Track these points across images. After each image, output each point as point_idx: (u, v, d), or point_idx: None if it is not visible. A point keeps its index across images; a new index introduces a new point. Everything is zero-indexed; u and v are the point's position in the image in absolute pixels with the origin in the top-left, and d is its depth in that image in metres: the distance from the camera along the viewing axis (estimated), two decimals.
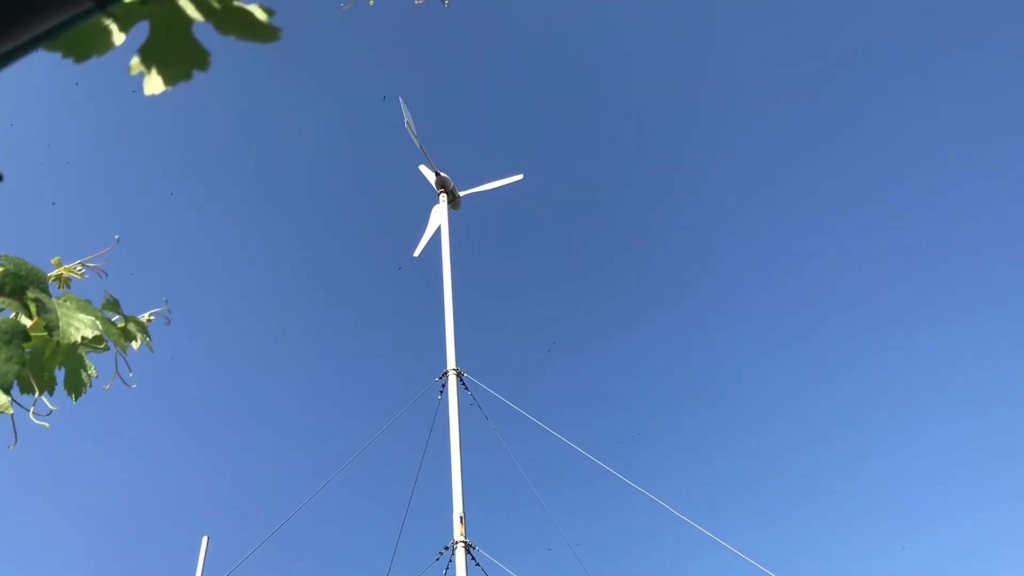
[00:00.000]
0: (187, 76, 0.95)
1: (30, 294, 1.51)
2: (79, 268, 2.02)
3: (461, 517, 12.58)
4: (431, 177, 18.59)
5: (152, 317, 1.89)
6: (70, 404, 1.88)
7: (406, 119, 18.02)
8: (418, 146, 18.28)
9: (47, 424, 1.65)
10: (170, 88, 0.94)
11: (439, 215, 18.08)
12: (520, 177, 18.88)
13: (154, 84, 0.94)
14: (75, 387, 1.82)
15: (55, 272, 1.99)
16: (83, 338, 1.56)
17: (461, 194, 18.70)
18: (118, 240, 2.07)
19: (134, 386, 1.87)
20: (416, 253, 18.44)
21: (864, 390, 36.90)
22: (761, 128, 38.70)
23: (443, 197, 18.41)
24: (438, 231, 17.68)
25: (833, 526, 33.83)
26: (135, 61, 0.94)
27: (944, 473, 34.16)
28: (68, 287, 1.99)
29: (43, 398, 1.72)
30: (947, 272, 36.35)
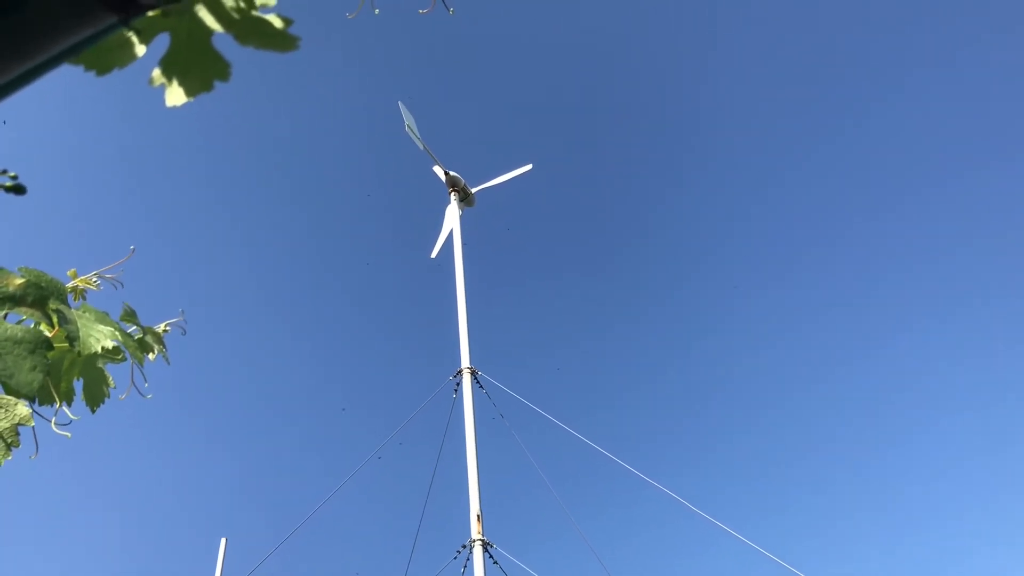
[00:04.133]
0: (208, 87, 0.94)
1: (51, 305, 1.51)
2: (95, 279, 2.02)
3: (478, 515, 12.58)
4: (443, 177, 18.61)
5: (168, 328, 1.90)
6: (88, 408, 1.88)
7: (407, 123, 18.03)
8: (422, 148, 18.30)
9: (68, 434, 1.65)
10: (191, 99, 0.93)
11: (452, 215, 18.10)
12: (529, 167, 18.93)
13: (175, 96, 0.93)
14: (94, 398, 1.83)
15: (71, 284, 1.99)
16: (103, 348, 1.56)
17: (473, 191, 18.73)
18: (133, 250, 2.07)
19: (149, 396, 1.87)
20: (433, 255, 18.46)
21: (882, 379, 36.77)
22: (778, 113, 38.61)
23: (454, 196, 18.42)
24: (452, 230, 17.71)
25: (849, 517, 33.71)
26: (156, 73, 0.93)
27: (969, 463, 34.02)
28: (84, 299, 2.00)
29: (63, 408, 1.72)
30: (967, 257, 36.18)
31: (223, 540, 14.86)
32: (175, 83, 0.93)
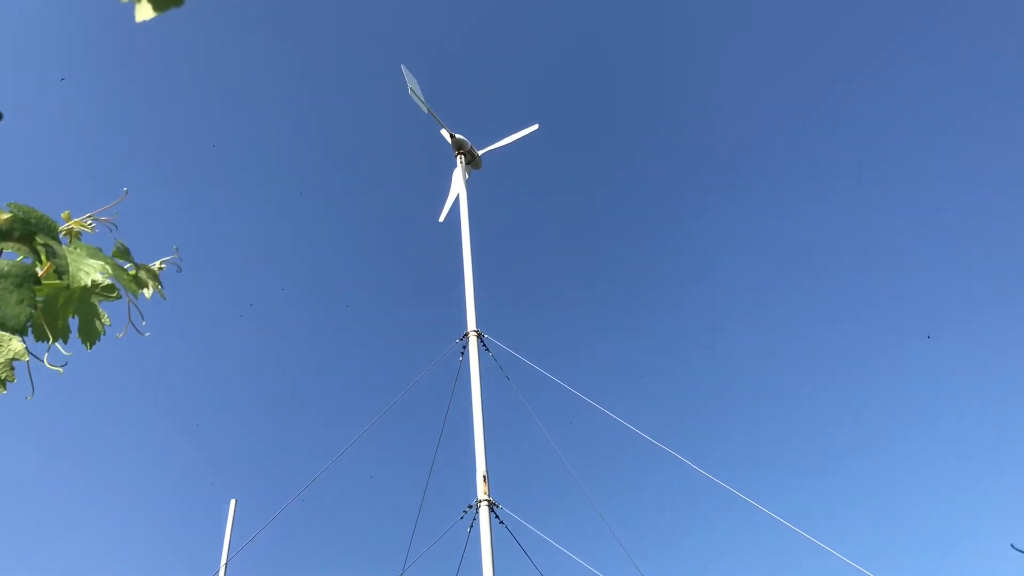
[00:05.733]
0: (178, 2, 0.94)
1: (39, 239, 1.52)
2: (89, 221, 2.03)
3: (484, 476, 12.69)
4: (449, 140, 18.55)
5: (163, 265, 1.90)
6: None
7: (410, 86, 17.94)
8: (427, 111, 18.21)
9: (61, 369, 1.66)
10: (159, 14, 0.93)
11: (458, 178, 18.05)
12: (535, 128, 18.83)
13: (144, 11, 0.93)
14: (89, 335, 1.84)
15: (65, 226, 2.00)
16: (93, 282, 1.57)
17: (480, 153, 18.66)
18: (127, 192, 2.08)
19: (147, 335, 1.88)
20: (441, 218, 18.43)
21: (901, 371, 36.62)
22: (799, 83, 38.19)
23: (460, 159, 18.36)
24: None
25: (865, 488, 33.73)
26: None
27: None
28: (78, 240, 2.00)
29: (57, 345, 1.74)
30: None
31: (232, 502, 15.06)
32: None
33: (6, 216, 1.49)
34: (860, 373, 36.49)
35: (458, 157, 18.40)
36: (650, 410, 35.45)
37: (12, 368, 1.64)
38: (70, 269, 1.54)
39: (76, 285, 1.51)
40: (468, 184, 17.93)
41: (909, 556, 30.31)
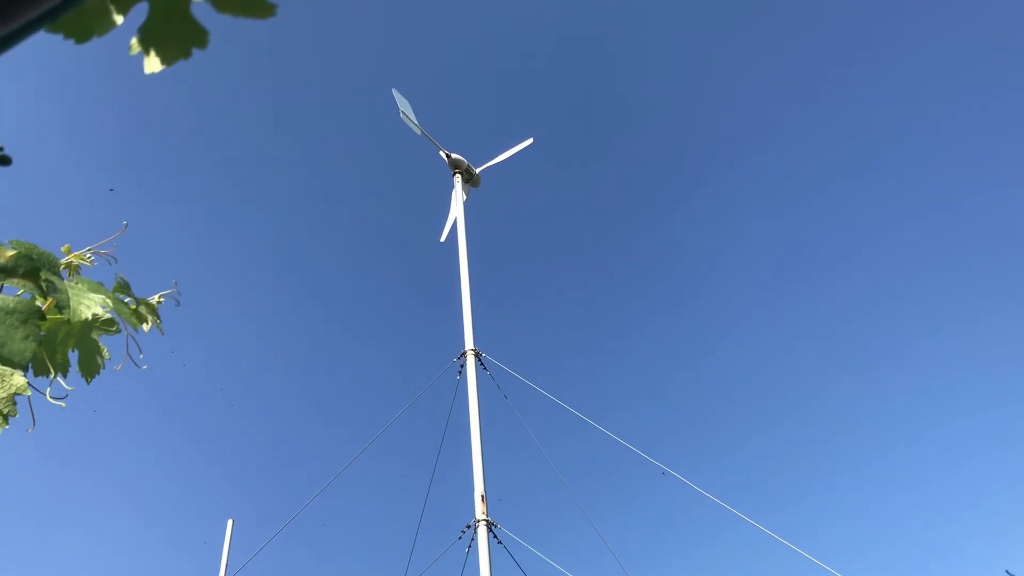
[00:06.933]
0: (186, 55, 0.96)
1: (43, 275, 1.54)
2: (89, 255, 2.04)
3: (482, 496, 12.65)
4: (446, 160, 18.59)
5: (162, 299, 1.92)
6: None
7: (401, 109, 17.94)
8: (420, 133, 18.22)
9: (63, 404, 1.68)
10: (168, 67, 0.95)
11: (457, 198, 18.08)
12: (530, 141, 18.88)
13: (153, 63, 0.95)
14: (89, 369, 1.85)
15: (65, 259, 2.01)
16: (94, 316, 1.59)
17: (477, 170, 18.69)
18: (127, 225, 2.09)
19: (145, 367, 1.89)
20: (442, 238, 18.44)
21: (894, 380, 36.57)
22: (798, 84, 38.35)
23: (458, 178, 18.39)
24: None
25: (862, 504, 33.60)
26: (134, 41, 0.95)
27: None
28: (78, 274, 2.02)
29: (58, 379, 1.75)
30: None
31: (230, 522, 15.00)
32: (153, 51, 0.95)
33: (11, 253, 1.51)
34: (857, 384, 36.45)
35: (455, 177, 18.43)
36: (649, 428, 35.39)
37: (14, 403, 1.66)
38: (71, 304, 1.55)
39: (77, 319, 1.53)
40: (467, 203, 17.96)
41: None
